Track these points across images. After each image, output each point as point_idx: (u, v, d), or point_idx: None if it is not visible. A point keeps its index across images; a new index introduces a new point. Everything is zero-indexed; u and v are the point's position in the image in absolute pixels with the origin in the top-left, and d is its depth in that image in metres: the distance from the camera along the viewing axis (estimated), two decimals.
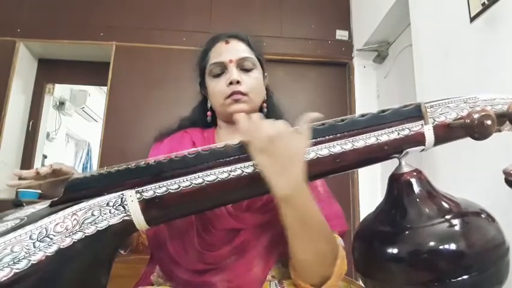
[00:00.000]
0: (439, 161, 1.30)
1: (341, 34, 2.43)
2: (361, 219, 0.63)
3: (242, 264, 0.68)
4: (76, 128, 4.37)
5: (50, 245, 0.47)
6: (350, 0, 2.49)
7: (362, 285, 0.61)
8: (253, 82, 0.81)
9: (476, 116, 0.50)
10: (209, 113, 0.89)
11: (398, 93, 2.05)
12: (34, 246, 0.47)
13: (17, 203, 0.63)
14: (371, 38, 2.17)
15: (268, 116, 0.86)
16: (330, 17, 2.46)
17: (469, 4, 1.19)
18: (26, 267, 0.45)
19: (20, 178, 0.76)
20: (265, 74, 0.89)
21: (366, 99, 2.30)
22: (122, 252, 0.79)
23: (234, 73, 0.79)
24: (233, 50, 0.82)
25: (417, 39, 1.58)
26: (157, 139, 0.89)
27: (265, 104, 0.87)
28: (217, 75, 0.82)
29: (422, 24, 1.54)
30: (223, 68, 0.81)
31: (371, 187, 2.17)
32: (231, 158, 0.56)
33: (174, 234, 0.73)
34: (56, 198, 0.56)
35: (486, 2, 1.11)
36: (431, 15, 1.46)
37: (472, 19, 1.18)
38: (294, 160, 0.54)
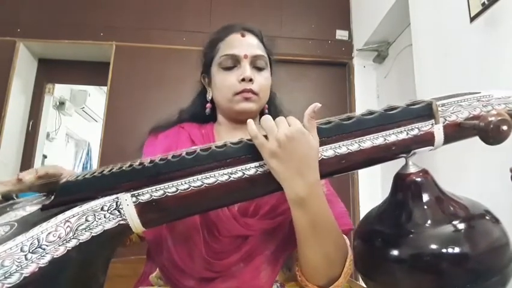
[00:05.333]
0: (439, 161, 1.30)
1: (341, 34, 2.43)
2: (361, 219, 0.62)
3: (249, 271, 0.66)
4: (76, 128, 4.37)
5: (43, 256, 0.45)
6: (350, 0, 2.48)
7: (362, 285, 0.61)
8: (264, 82, 0.79)
9: (492, 119, 0.47)
10: (209, 104, 0.84)
11: (398, 93, 2.05)
12: (26, 259, 0.44)
13: (6, 197, 0.60)
14: (371, 38, 2.16)
15: None
16: (330, 17, 2.46)
17: (469, 4, 1.19)
18: (18, 281, 0.43)
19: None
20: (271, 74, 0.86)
21: (366, 99, 2.29)
22: None
23: (247, 70, 0.76)
24: (248, 45, 0.78)
25: (417, 39, 1.57)
26: (153, 131, 0.84)
27: (266, 105, 0.84)
28: (228, 68, 0.77)
29: (422, 24, 1.53)
30: (235, 61, 0.77)
31: (371, 187, 2.17)
32: (231, 159, 0.53)
33: (178, 240, 0.68)
34: (47, 203, 0.53)
35: (486, 2, 1.11)
36: (431, 15, 1.46)
37: (472, 19, 1.18)
38: (308, 162, 0.52)
